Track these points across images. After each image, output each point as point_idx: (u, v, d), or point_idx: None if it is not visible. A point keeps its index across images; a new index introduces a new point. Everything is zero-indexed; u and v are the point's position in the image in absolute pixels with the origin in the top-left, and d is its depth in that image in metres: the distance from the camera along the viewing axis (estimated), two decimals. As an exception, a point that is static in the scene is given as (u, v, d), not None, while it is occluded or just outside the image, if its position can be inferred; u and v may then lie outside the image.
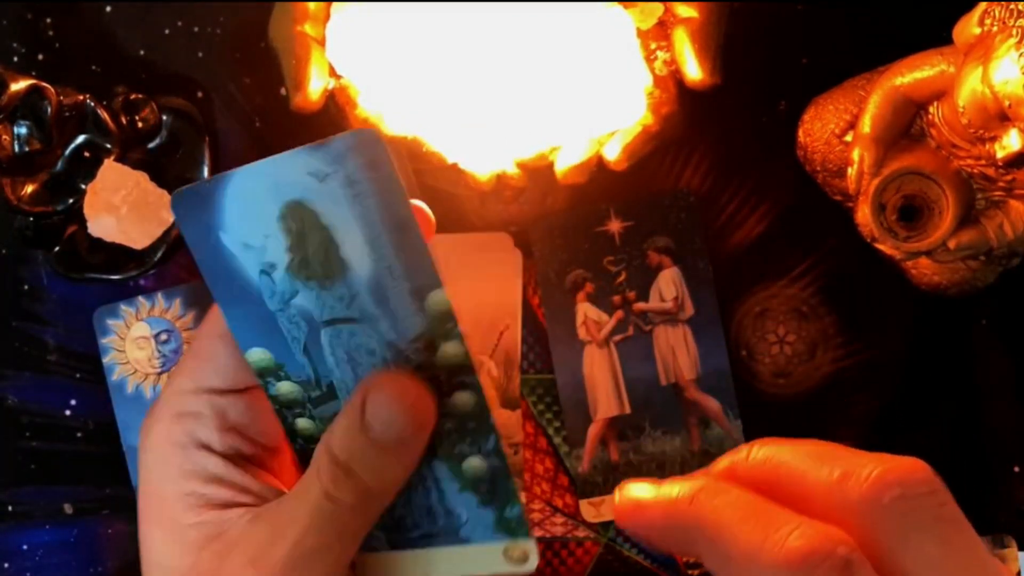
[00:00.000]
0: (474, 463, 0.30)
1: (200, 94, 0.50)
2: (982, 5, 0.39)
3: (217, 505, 0.30)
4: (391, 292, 0.28)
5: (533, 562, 0.31)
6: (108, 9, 0.49)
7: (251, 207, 0.28)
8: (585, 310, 0.50)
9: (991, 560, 0.22)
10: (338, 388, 0.30)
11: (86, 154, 0.46)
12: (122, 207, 0.47)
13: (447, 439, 0.30)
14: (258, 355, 0.30)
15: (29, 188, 0.46)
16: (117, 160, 0.47)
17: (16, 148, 0.44)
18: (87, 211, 0.47)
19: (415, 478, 0.30)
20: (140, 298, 0.50)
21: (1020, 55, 0.37)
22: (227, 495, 0.30)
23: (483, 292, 0.50)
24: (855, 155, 0.44)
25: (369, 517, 0.29)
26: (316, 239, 0.28)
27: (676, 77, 0.45)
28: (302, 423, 0.31)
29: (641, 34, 0.44)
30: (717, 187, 0.50)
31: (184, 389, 0.31)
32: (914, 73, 0.43)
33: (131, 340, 0.50)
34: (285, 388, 0.30)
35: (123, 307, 0.50)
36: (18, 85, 0.43)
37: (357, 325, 0.29)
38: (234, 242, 0.29)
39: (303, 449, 0.31)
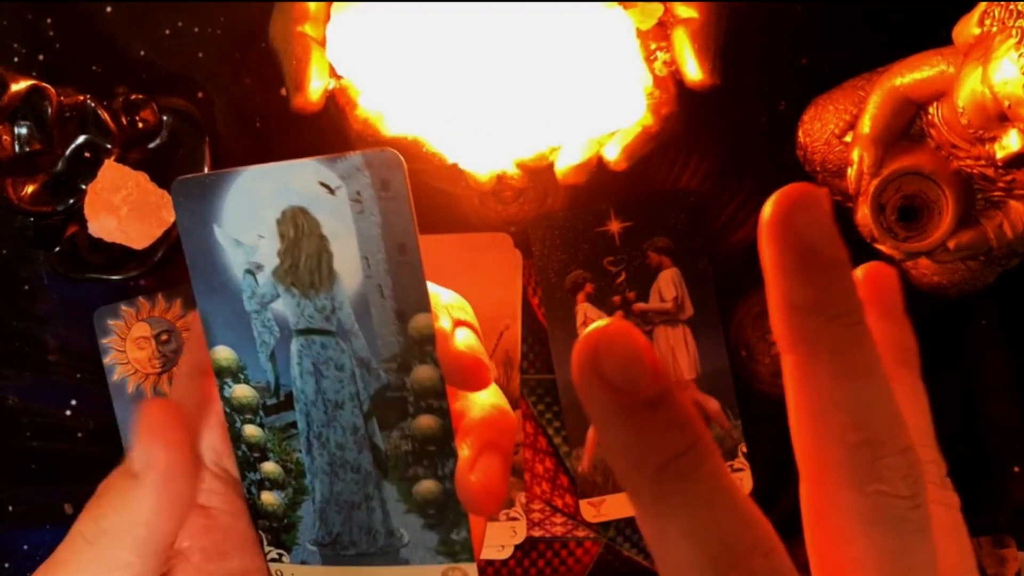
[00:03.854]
0: (426, 486, 0.30)
1: (200, 94, 0.50)
2: (982, 5, 0.39)
3: None
4: (375, 309, 0.29)
5: None
6: (108, 10, 0.49)
7: (252, 206, 0.29)
8: (585, 310, 0.50)
9: None
10: (296, 399, 0.30)
11: (86, 154, 0.46)
12: (122, 207, 0.47)
13: (401, 461, 0.30)
14: (223, 353, 0.30)
15: (30, 188, 0.46)
16: (117, 160, 0.47)
17: (17, 148, 0.44)
18: (87, 211, 0.47)
19: (358, 497, 0.31)
20: (140, 298, 0.50)
21: (1019, 55, 0.37)
22: None
23: (483, 292, 0.50)
24: (855, 155, 0.44)
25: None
26: (311, 247, 0.29)
27: (676, 77, 0.45)
28: (250, 429, 0.31)
29: (641, 34, 0.44)
30: (717, 187, 0.50)
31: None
32: (914, 73, 0.43)
33: (131, 340, 0.50)
34: (241, 392, 0.31)
35: (123, 307, 0.50)
36: (19, 85, 0.43)
37: (331, 338, 0.29)
38: (226, 237, 0.29)
39: (244, 456, 0.31)
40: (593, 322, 0.50)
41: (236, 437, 0.31)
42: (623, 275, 0.50)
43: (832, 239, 0.21)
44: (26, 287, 0.50)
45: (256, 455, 0.31)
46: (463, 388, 0.30)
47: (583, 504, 0.50)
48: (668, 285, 0.50)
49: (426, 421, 0.29)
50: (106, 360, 0.50)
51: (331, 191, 0.28)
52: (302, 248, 0.29)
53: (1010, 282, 0.48)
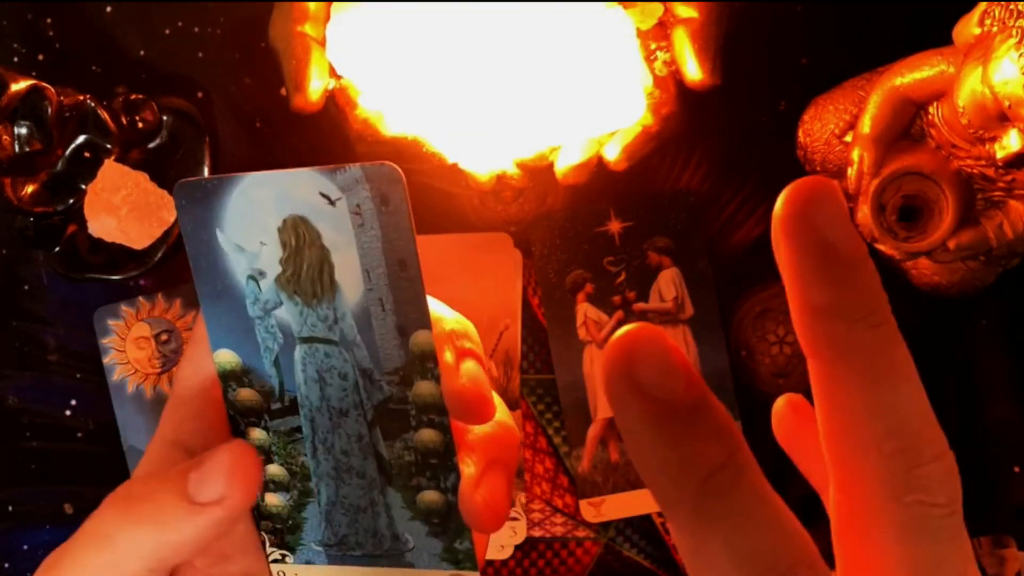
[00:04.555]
0: (429, 496, 0.30)
1: (200, 94, 0.50)
2: (982, 5, 0.39)
3: None
4: (376, 322, 0.28)
5: None
6: (108, 9, 0.49)
7: (253, 212, 0.28)
8: (585, 310, 0.50)
9: None
10: (300, 404, 0.30)
11: (86, 154, 0.46)
12: (122, 207, 0.47)
13: (405, 470, 0.30)
14: (226, 356, 0.30)
15: (29, 188, 0.46)
16: (117, 160, 0.47)
17: (16, 148, 0.44)
18: (87, 211, 0.47)
19: (364, 502, 0.30)
20: (140, 298, 0.50)
21: (1020, 55, 0.37)
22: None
23: (483, 292, 0.50)
24: (855, 155, 0.44)
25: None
26: (312, 257, 0.28)
27: (676, 77, 0.45)
28: (255, 433, 0.31)
29: (641, 34, 0.44)
30: (717, 187, 0.50)
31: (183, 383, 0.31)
32: (914, 73, 0.43)
33: (131, 340, 0.50)
34: (245, 395, 0.30)
35: (123, 307, 0.50)
36: (18, 85, 0.43)
37: (334, 347, 0.29)
38: (228, 242, 0.29)
39: None
40: (593, 322, 0.50)
41: (241, 439, 0.31)
42: (623, 275, 0.50)
43: (850, 234, 0.20)
44: (26, 287, 0.50)
45: (261, 457, 0.31)
46: (465, 422, 0.29)
47: (583, 504, 0.50)
48: (668, 285, 0.50)
49: (428, 435, 0.29)
50: (106, 360, 0.50)
51: (331, 203, 0.27)
52: (304, 257, 0.28)
53: (1010, 282, 0.48)
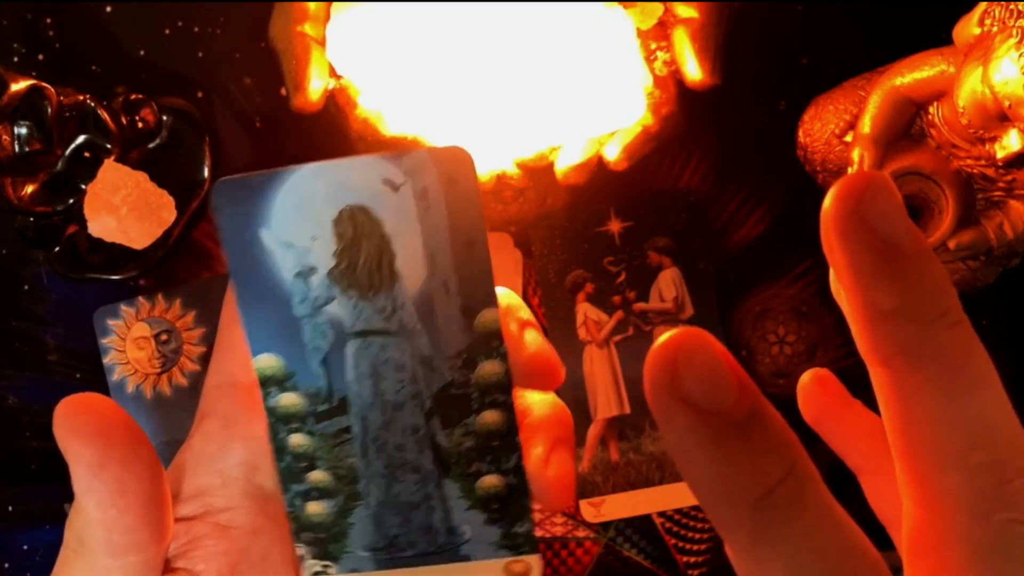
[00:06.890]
0: (489, 481, 0.29)
1: (200, 94, 0.50)
2: (982, 5, 0.39)
3: None
4: (439, 307, 0.28)
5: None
6: (108, 9, 0.49)
7: (305, 206, 0.27)
8: (585, 310, 0.50)
9: None
10: (351, 403, 0.29)
11: (86, 154, 0.46)
12: (122, 207, 0.47)
13: (464, 458, 0.29)
14: (268, 361, 0.29)
15: (29, 188, 0.46)
16: (117, 160, 0.47)
17: (16, 148, 0.44)
18: (87, 211, 0.47)
19: (417, 498, 0.30)
20: (140, 298, 0.50)
21: (1020, 55, 0.37)
22: None
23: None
24: (855, 155, 0.44)
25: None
26: (371, 247, 0.28)
27: (676, 77, 0.45)
28: (297, 438, 0.30)
29: (641, 34, 0.44)
30: (717, 187, 0.50)
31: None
32: (914, 73, 0.43)
33: (131, 340, 0.50)
34: (288, 400, 0.29)
35: (123, 307, 0.50)
36: (18, 85, 0.43)
37: (391, 338, 0.29)
38: (275, 240, 0.28)
39: (289, 467, 0.30)
40: (593, 322, 0.50)
41: (281, 448, 0.30)
42: (623, 275, 0.50)
43: (910, 228, 0.18)
44: (26, 287, 0.50)
45: (303, 465, 0.30)
46: (538, 388, 0.29)
47: (583, 504, 0.50)
48: (668, 285, 0.50)
49: (491, 416, 0.29)
50: (106, 360, 0.50)
51: (395, 188, 0.27)
52: (361, 248, 0.28)
53: (1010, 282, 0.48)
